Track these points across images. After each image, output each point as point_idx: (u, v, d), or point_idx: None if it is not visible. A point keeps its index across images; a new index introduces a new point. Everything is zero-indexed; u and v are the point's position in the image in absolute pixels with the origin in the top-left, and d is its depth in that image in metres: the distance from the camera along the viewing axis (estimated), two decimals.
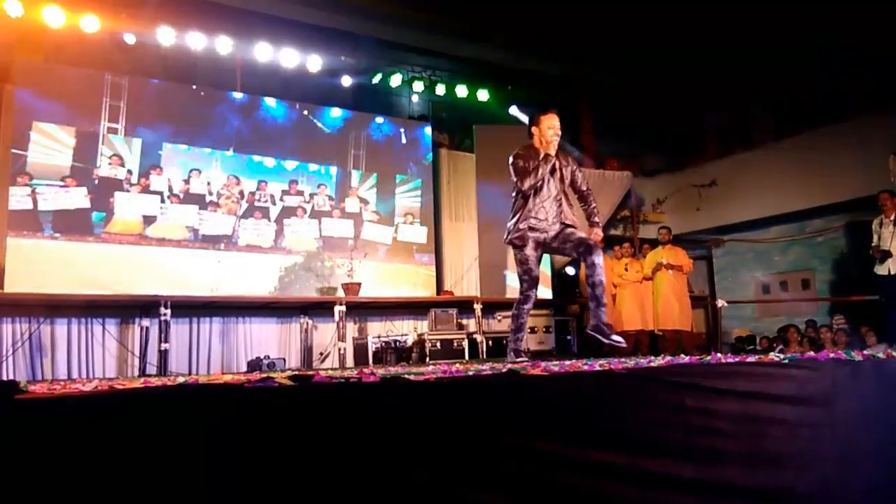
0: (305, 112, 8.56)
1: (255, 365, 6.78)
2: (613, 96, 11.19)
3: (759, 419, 2.35)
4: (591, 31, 9.86)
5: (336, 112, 8.81)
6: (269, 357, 6.85)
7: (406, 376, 2.10)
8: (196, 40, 7.73)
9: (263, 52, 8.14)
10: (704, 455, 2.23)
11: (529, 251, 4.16)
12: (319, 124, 8.64)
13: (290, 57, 8.30)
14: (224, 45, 7.88)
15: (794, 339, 8.61)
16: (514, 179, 4.24)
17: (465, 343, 7.70)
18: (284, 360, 7.14)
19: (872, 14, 8.57)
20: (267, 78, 8.44)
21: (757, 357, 2.81)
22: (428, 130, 9.51)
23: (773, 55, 9.63)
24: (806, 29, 8.92)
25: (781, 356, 2.78)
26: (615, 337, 4.06)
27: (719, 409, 2.28)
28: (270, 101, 8.37)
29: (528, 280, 4.19)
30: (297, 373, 2.14)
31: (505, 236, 4.31)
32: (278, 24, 8.22)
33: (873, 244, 6.91)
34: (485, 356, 7.65)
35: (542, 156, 4.18)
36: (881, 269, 6.82)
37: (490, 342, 7.90)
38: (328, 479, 1.64)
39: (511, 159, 4.27)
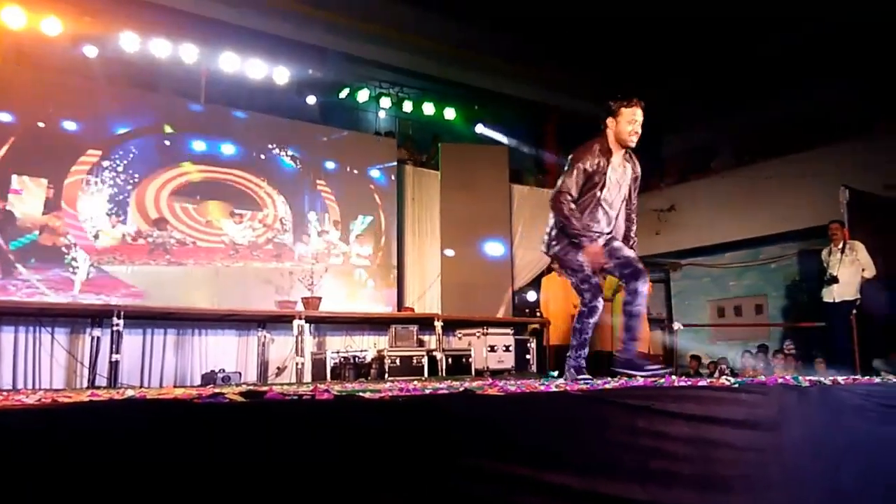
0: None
1: (209, 378, 6.64)
2: (580, 121, 11.38)
3: (709, 442, 2.38)
4: (558, 56, 10.06)
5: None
6: (224, 371, 6.72)
7: (361, 394, 2.08)
8: (160, 47, 7.63)
9: (230, 62, 8.08)
10: (656, 477, 2.25)
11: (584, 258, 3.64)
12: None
13: (256, 68, 8.25)
14: (189, 53, 7.80)
15: (748, 364, 8.81)
16: (568, 179, 3.63)
17: (425, 360, 7.66)
18: (240, 373, 7.01)
19: (826, 52, 8.95)
20: (232, 88, 8.38)
21: (708, 381, 2.86)
22: (394, 147, 9.52)
23: (734, 85, 9.95)
24: (765, 62, 9.24)
25: (732, 380, 2.84)
26: (650, 366, 3.60)
27: (670, 431, 2.31)
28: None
29: (590, 289, 3.67)
30: (249, 388, 2.11)
31: (549, 246, 3.76)
32: (245, 34, 8.19)
33: (827, 276, 7.07)
34: (444, 374, 7.63)
35: (609, 158, 3.64)
36: (827, 297, 7.03)
37: (450, 359, 7.88)
38: (276, 498, 1.61)
39: (572, 156, 3.69)
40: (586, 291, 3.68)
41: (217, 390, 2.02)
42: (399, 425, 1.81)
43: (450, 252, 9.24)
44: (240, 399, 1.75)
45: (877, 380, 3.56)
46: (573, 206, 3.59)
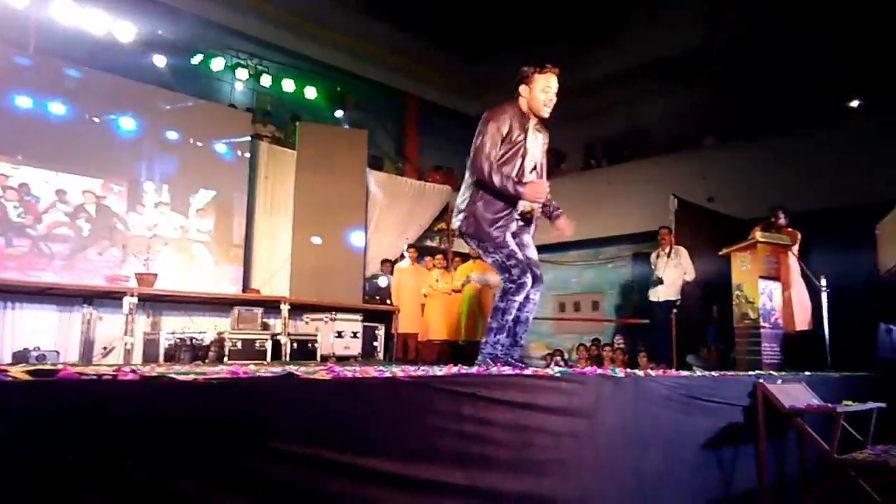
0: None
1: (21, 357, 6.04)
2: (439, 111, 11.55)
3: (528, 429, 2.48)
4: (422, 46, 10.11)
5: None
6: (39, 349, 6.13)
7: (173, 376, 1.95)
8: None
9: (65, 11, 7.34)
10: (476, 462, 2.31)
11: (508, 236, 3.49)
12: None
13: (97, 21, 7.56)
14: None
15: (582, 355, 9.35)
16: (485, 139, 3.39)
17: (269, 344, 7.44)
18: (58, 353, 6.42)
19: (658, 75, 9.73)
20: (67, 42, 7.61)
21: (533, 370, 2.97)
22: (248, 121, 9.09)
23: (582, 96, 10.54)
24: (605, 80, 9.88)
25: (555, 370, 2.97)
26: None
27: (493, 417, 2.38)
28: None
29: (518, 263, 3.41)
30: (40, 367, 1.90)
31: (464, 226, 3.48)
32: None
33: (654, 278, 7.67)
34: (288, 358, 7.44)
35: (525, 126, 3.45)
36: (653, 296, 7.63)
37: (295, 344, 7.70)
38: (62, 489, 1.46)
39: (485, 117, 3.43)
40: (514, 267, 3.40)
41: (3, 368, 1.81)
42: (209, 409, 1.71)
43: (316, 239, 9.01)
44: (25, 377, 1.57)
45: (685, 373, 3.89)
46: (495, 165, 3.35)
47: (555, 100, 3.48)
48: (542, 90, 3.44)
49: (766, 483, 3.66)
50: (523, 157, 3.45)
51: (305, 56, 9.83)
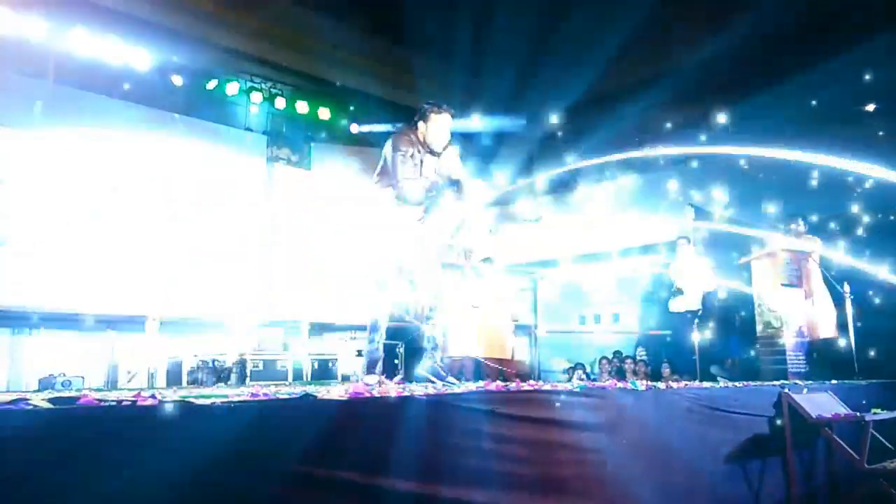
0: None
1: (47, 383, 6.11)
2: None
3: (548, 445, 2.45)
4: (434, 62, 10.15)
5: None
6: (64, 374, 6.21)
7: (193, 399, 1.96)
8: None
9: (83, 41, 7.49)
10: (496, 481, 2.29)
11: None
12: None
13: (113, 50, 7.70)
14: (36, 28, 7.17)
15: (604, 369, 9.26)
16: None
17: (290, 364, 7.45)
18: (83, 378, 6.49)
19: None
20: (87, 70, 7.76)
21: (552, 385, 2.95)
22: (263, 144, 9.20)
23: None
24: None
25: (575, 384, 2.95)
26: (450, 378, 3.68)
27: (512, 434, 2.36)
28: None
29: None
30: (60, 395, 1.93)
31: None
32: (100, 13, 7.59)
33: (674, 288, 7.59)
34: (310, 378, 7.45)
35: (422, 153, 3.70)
36: (673, 307, 7.53)
37: (316, 364, 7.71)
38: None
39: (390, 142, 3.71)
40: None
41: (19, 397, 1.83)
42: (226, 432, 1.72)
43: (335, 259, 9.04)
44: (46, 405, 1.59)
45: (707, 384, 3.83)
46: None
47: (449, 137, 3.73)
48: (438, 128, 3.68)
49: (795, 495, 3.59)
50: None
51: (318, 77, 9.91)
